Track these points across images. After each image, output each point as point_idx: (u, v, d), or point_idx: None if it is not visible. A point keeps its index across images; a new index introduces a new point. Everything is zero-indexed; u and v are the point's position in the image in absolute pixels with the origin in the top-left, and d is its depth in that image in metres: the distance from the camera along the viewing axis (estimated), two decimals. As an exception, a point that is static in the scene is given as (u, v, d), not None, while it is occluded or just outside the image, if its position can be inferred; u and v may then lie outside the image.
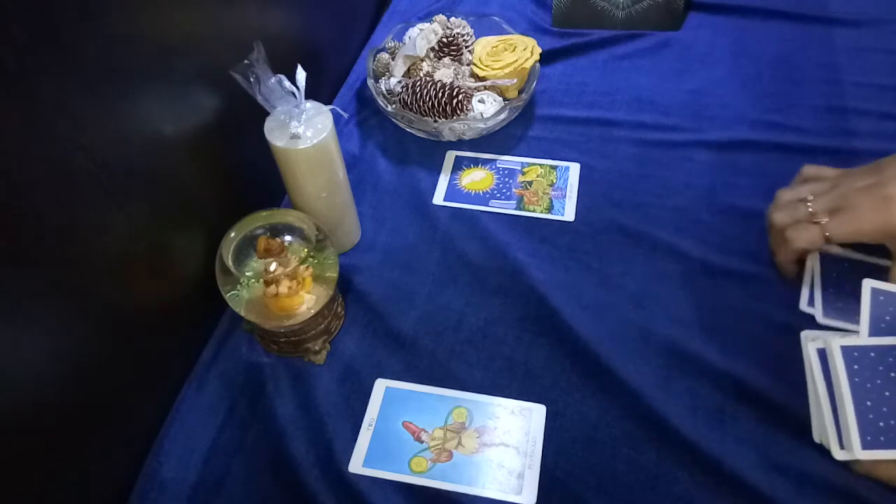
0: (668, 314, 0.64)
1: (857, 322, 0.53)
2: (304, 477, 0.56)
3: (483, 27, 0.88)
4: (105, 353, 0.52)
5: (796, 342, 0.60)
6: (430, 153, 0.82)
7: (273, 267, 0.57)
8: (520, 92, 0.82)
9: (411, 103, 0.78)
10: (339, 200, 0.67)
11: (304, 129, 0.59)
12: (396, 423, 0.59)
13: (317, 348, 0.63)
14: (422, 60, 0.84)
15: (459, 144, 0.83)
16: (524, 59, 0.80)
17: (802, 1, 0.95)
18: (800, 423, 0.56)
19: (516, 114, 0.82)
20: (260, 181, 0.72)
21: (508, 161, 0.80)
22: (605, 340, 0.62)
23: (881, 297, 0.52)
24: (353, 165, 0.81)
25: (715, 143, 0.79)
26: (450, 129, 0.79)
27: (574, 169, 0.78)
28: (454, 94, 0.77)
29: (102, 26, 0.47)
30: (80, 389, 0.50)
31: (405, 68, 0.84)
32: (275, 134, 0.59)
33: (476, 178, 0.79)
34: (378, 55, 0.86)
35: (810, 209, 0.59)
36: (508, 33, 0.87)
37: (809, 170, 0.65)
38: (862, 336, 0.52)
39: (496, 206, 0.75)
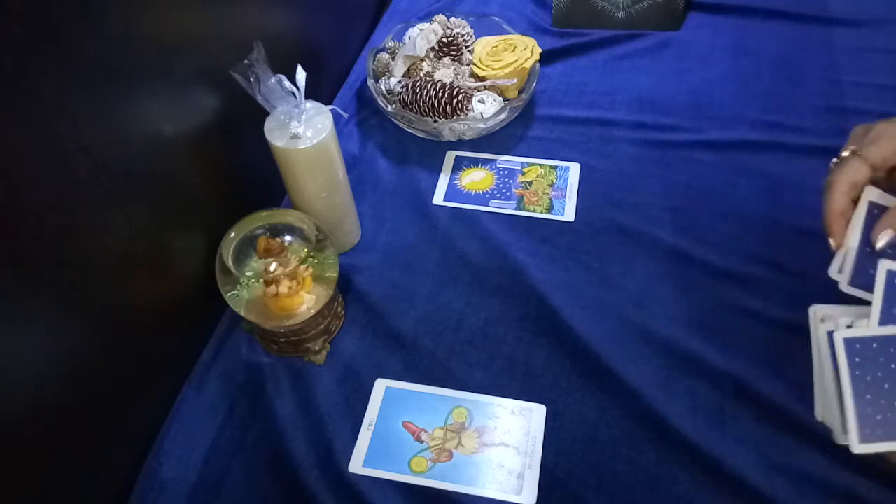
0: (668, 314, 0.64)
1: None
2: (304, 477, 0.56)
3: (483, 27, 0.88)
4: (105, 353, 0.52)
5: (796, 342, 0.60)
6: (430, 153, 0.82)
7: (273, 267, 0.57)
8: (520, 92, 0.82)
9: (411, 103, 0.78)
10: (339, 200, 0.67)
11: (304, 129, 0.59)
12: (396, 423, 0.59)
13: (317, 348, 0.63)
14: (422, 60, 0.84)
15: (459, 144, 0.83)
16: (524, 59, 0.80)
17: (802, 1, 0.95)
18: (800, 424, 0.56)
19: (516, 114, 0.82)
20: (260, 181, 0.72)
21: (508, 161, 0.80)
22: (605, 340, 0.62)
23: None
24: (353, 165, 0.81)
25: (715, 143, 0.79)
26: (450, 129, 0.79)
27: (574, 169, 0.78)
28: (454, 94, 0.77)
29: (102, 26, 0.47)
30: (80, 389, 0.50)
31: (405, 68, 0.84)
32: (275, 134, 0.59)
33: (476, 178, 0.79)
34: (378, 55, 0.86)
35: (851, 147, 0.55)
36: (508, 33, 0.87)
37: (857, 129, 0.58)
38: (872, 323, 0.50)
39: (496, 206, 0.75)
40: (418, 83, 0.79)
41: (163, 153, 0.56)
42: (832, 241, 0.53)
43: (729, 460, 0.54)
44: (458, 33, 0.85)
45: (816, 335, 0.52)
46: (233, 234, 0.58)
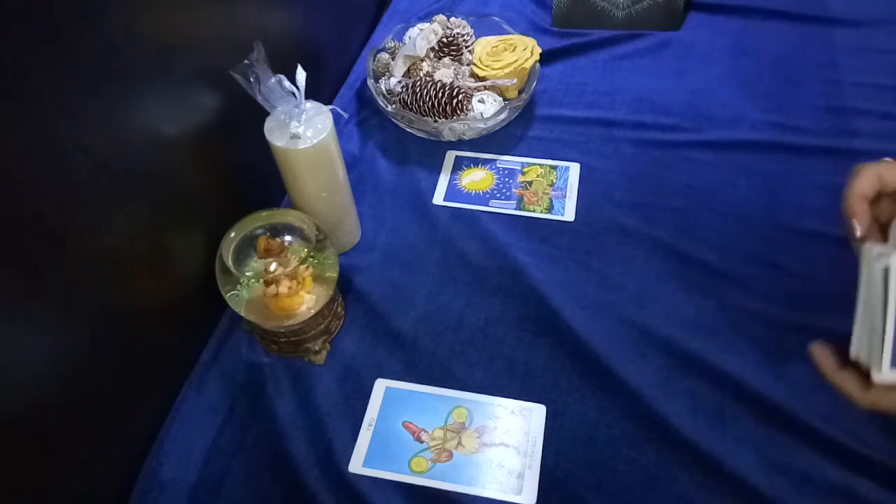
0: (668, 314, 0.64)
1: None
2: (304, 477, 0.56)
3: (483, 27, 0.88)
4: (105, 353, 0.52)
5: (796, 342, 0.60)
6: (430, 153, 0.82)
7: (273, 267, 0.57)
8: (520, 92, 0.82)
9: (411, 103, 0.78)
10: (339, 200, 0.67)
11: (304, 129, 0.59)
12: (396, 423, 0.59)
13: (317, 348, 0.63)
14: (422, 60, 0.84)
15: (459, 144, 0.83)
16: (524, 59, 0.80)
17: (802, 1, 0.95)
18: (800, 424, 0.56)
19: (516, 114, 0.82)
20: (260, 181, 0.72)
21: (508, 161, 0.80)
22: (605, 340, 0.62)
23: None
24: (353, 165, 0.81)
25: (715, 143, 0.79)
26: (450, 129, 0.79)
27: (574, 169, 0.78)
28: (454, 94, 0.77)
29: (102, 26, 0.47)
30: (80, 389, 0.50)
31: (405, 68, 0.84)
32: (275, 134, 0.59)
33: (476, 178, 0.79)
34: (378, 55, 0.86)
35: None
36: (508, 33, 0.87)
37: None
38: None
39: (496, 206, 0.75)
40: (418, 83, 0.79)
41: (163, 153, 0.56)
42: (855, 223, 0.49)
43: (729, 460, 0.54)
44: (458, 33, 0.85)
45: (869, 269, 0.49)
46: (233, 234, 0.58)
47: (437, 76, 0.81)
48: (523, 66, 0.80)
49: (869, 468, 0.53)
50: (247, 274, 0.58)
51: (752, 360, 0.60)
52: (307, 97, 0.59)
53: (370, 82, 0.82)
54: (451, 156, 0.82)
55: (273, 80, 0.56)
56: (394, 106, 0.80)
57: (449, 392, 0.61)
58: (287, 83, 0.57)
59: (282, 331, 0.60)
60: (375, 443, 0.58)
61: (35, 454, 0.46)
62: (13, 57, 0.39)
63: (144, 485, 0.56)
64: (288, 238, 0.59)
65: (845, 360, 0.49)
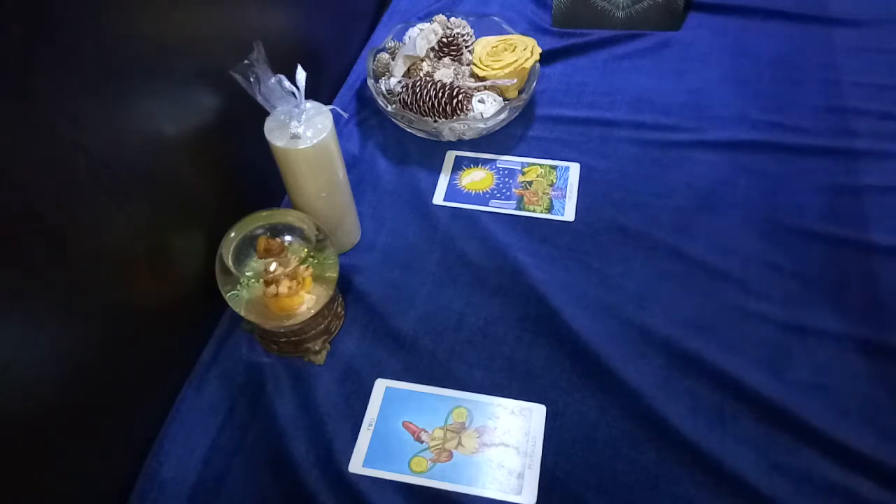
0: (668, 314, 0.64)
1: None
2: (304, 477, 0.56)
3: (483, 27, 0.88)
4: (105, 353, 0.52)
5: (796, 342, 0.60)
6: (430, 153, 0.82)
7: (273, 267, 0.57)
8: (520, 92, 0.82)
9: (411, 103, 0.78)
10: (339, 200, 0.67)
11: (304, 129, 0.59)
12: (396, 423, 0.59)
13: (317, 348, 0.63)
14: (422, 60, 0.84)
15: (459, 144, 0.83)
16: (524, 59, 0.80)
17: (802, 1, 0.95)
18: (800, 424, 0.56)
19: (516, 114, 0.82)
20: (260, 181, 0.72)
21: (508, 161, 0.80)
22: (605, 340, 0.62)
23: None
24: (353, 165, 0.81)
25: (715, 143, 0.79)
26: (450, 129, 0.79)
27: (574, 169, 0.78)
28: (454, 94, 0.77)
29: (102, 26, 0.47)
30: (80, 389, 0.50)
31: (405, 68, 0.84)
32: (275, 134, 0.59)
33: (476, 178, 0.79)
34: (378, 55, 0.86)
35: None
36: (508, 33, 0.87)
37: None
38: None
39: (496, 206, 0.75)
40: (418, 83, 0.79)
41: (163, 153, 0.56)
42: None
43: (729, 460, 0.54)
44: (458, 33, 0.85)
45: None
46: (233, 234, 0.58)
47: (437, 76, 0.81)
48: (523, 66, 0.80)
49: (869, 468, 0.53)
50: (247, 274, 0.58)
51: (753, 360, 0.60)
52: (307, 97, 0.59)
53: (370, 82, 0.82)
54: (451, 156, 0.82)
55: (273, 80, 0.56)
56: (394, 106, 0.80)
57: (449, 392, 0.61)
58: (287, 83, 0.57)
59: (282, 331, 0.60)
60: (375, 443, 0.58)
61: (35, 454, 0.46)
62: (13, 57, 0.39)
63: (144, 485, 0.56)
64: (288, 238, 0.59)
65: None
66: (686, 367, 0.60)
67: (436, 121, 0.78)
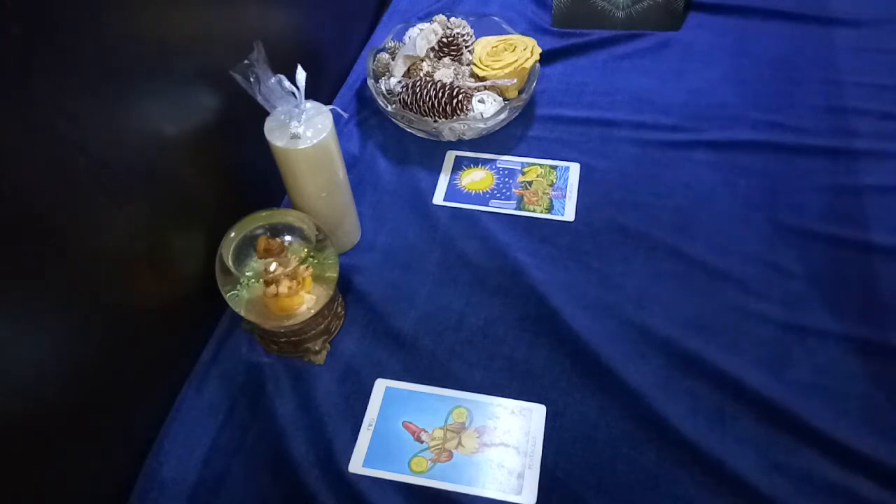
0: (668, 314, 0.64)
1: None
2: (304, 477, 0.56)
3: (483, 27, 0.88)
4: (105, 353, 0.52)
5: (796, 342, 0.60)
6: (430, 153, 0.82)
7: (273, 267, 0.57)
8: (520, 92, 0.82)
9: (411, 103, 0.78)
10: (339, 200, 0.67)
11: (304, 129, 0.59)
12: (396, 423, 0.59)
13: (317, 348, 0.63)
14: (422, 60, 0.84)
15: (459, 144, 0.83)
16: (524, 59, 0.80)
17: (802, 1, 0.95)
18: (800, 424, 0.56)
19: (516, 114, 0.82)
20: (260, 181, 0.72)
21: (508, 161, 0.80)
22: (605, 340, 0.62)
23: None
24: (353, 165, 0.81)
25: (715, 143, 0.79)
26: (450, 129, 0.79)
27: (574, 169, 0.78)
28: (454, 94, 0.77)
29: (102, 26, 0.47)
30: (80, 389, 0.50)
31: (405, 68, 0.84)
32: (275, 134, 0.59)
33: (476, 178, 0.79)
34: (378, 55, 0.86)
35: None
36: (508, 33, 0.87)
37: None
38: None
39: (496, 206, 0.75)
40: (418, 83, 0.79)
41: (163, 153, 0.56)
42: None
43: (729, 460, 0.54)
44: (458, 33, 0.85)
45: None
46: (233, 234, 0.58)
47: (437, 76, 0.81)
48: (523, 66, 0.80)
49: (869, 468, 0.53)
50: (247, 274, 0.58)
51: (753, 360, 0.60)
52: (307, 97, 0.59)
53: (370, 82, 0.82)
54: (451, 156, 0.82)
55: (273, 80, 0.56)
56: (394, 106, 0.80)
57: (449, 392, 0.61)
58: (287, 83, 0.57)
59: (282, 331, 0.60)
60: (375, 443, 0.58)
61: (35, 454, 0.46)
62: (13, 57, 0.39)
63: (144, 485, 0.56)
64: (288, 238, 0.59)
65: None
66: (686, 367, 0.60)
67: (436, 121, 0.78)
